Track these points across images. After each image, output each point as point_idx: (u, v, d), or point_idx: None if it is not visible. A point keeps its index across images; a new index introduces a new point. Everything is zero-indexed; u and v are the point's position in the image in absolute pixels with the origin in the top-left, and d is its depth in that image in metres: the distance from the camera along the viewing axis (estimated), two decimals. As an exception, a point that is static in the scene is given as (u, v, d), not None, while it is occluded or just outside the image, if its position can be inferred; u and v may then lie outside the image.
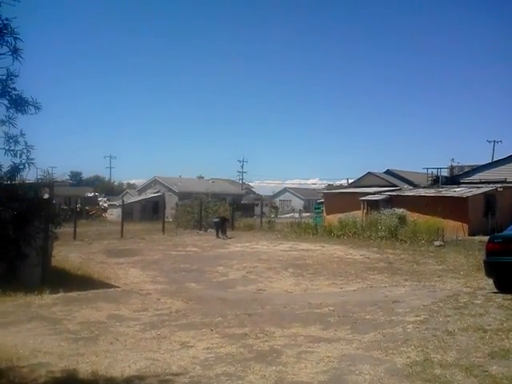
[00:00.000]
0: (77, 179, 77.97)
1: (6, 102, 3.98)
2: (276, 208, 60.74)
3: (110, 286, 11.39)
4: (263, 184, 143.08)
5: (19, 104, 3.98)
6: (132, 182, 77.25)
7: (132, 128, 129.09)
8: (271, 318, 7.77)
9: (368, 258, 16.82)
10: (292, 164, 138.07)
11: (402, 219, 24.77)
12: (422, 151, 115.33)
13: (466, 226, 25.57)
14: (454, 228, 24.53)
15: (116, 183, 77.91)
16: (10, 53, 3.71)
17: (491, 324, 6.48)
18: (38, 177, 5.53)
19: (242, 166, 72.73)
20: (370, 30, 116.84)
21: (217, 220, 25.09)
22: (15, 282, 9.11)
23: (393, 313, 7.60)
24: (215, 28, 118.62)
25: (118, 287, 11.20)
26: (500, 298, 8.33)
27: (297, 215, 50.58)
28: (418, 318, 7.02)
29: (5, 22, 3.84)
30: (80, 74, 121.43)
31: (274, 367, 5.10)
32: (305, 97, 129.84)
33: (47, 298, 9.42)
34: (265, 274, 13.36)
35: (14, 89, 4.00)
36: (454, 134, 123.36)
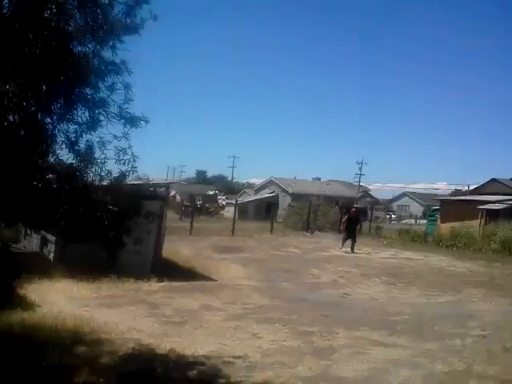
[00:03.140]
0: (202, 178, 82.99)
1: (122, 121, 4.73)
2: (391, 212, 59.27)
3: (209, 279, 12.58)
4: (385, 187, 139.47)
5: (133, 121, 4.73)
6: (251, 181, 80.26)
7: (255, 128, 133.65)
8: (343, 320, 8.28)
9: (471, 271, 16.32)
10: (417, 167, 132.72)
11: (521, 232, 23.24)
12: None
13: None
14: None
15: (237, 182, 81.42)
16: (122, 88, 4.66)
17: (558, 346, 6.42)
18: (141, 181, 6.65)
19: (361, 168, 71.71)
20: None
21: (348, 224, 20.01)
22: (117, 267, 10.41)
23: (462, 326, 7.74)
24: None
25: (215, 281, 12.34)
26: None
27: (413, 221, 49.16)
28: (483, 333, 7.13)
29: (121, 60, 4.80)
30: (210, 79, 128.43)
31: (323, 362, 5.73)
32: (429, 97, 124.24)
33: (154, 285, 10.80)
34: (356, 280, 13.71)
35: (128, 111, 4.91)
36: None
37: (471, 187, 36.26)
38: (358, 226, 20.63)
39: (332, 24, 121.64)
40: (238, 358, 5.88)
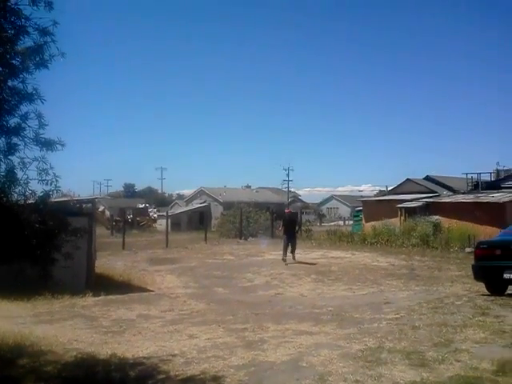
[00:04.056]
0: (130, 191, 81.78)
1: (39, 146, 5.22)
2: (321, 216, 61.35)
3: (146, 290, 12.86)
4: (314, 191, 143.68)
5: (49, 145, 5.06)
6: (182, 192, 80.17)
7: (182, 139, 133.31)
8: (274, 316, 8.92)
9: (393, 265, 17.55)
10: (343, 171, 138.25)
11: (437, 226, 25.16)
12: (469, 156, 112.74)
13: (502, 232, 25.55)
14: (490, 235, 24.60)
15: (166, 194, 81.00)
16: (35, 116, 5.01)
17: (456, 321, 7.39)
18: (66, 198, 6.92)
19: (288, 175, 73.89)
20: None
21: (286, 225, 18.12)
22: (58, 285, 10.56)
23: (379, 312, 8.60)
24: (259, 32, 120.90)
25: (152, 291, 12.65)
26: (481, 299, 9.14)
27: (342, 223, 51.18)
28: (396, 316, 8.01)
29: (34, 89, 5.14)
30: (130, 91, 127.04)
31: (253, 352, 6.30)
32: (352, 101, 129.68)
33: (89, 300, 10.97)
34: (288, 280, 14.45)
35: (43, 137, 5.22)
36: (504, 136, 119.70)
37: (389, 188, 38.41)
38: (297, 228, 19.36)
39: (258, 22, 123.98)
40: (176, 355, 6.32)
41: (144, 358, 6.30)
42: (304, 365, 5.66)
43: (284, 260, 17.40)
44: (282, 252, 17.89)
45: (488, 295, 9.83)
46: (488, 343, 6.19)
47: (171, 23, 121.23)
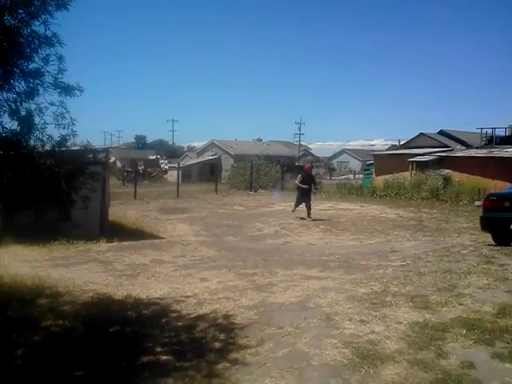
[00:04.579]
0: (141, 143, 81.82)
1: (58, 91, 5.10)
2: (332, 169, 61.27)
3: (158, 237, 13.15)
4: (325, 145, 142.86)
5: (68, 90, 5.12)
6: (193, 144, 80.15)
7: (193, 91, 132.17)
8: (282, 262, 9.15)
9: (401, 216, 17.69)
10: (355, 125, 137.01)
11: (447, 180, 25.11)
12: (485, 111, 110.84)
13: (514, 186, 25.47)
14: (500, 189, 24.52)
15: (177, 146, 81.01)
16: (56, 60, 5.05)
17: (461, 268, 7.54)
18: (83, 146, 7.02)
19: (300, 128, 73.37)
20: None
21: (300, 182, 16.74)
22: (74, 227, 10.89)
23: (386, 260, 8.79)
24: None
25: (164, 238, 12.94)
26: (487, 249, 9.27)
27: (352, 176, 51.17)
28: (402, 263, 8.19)
29: (53, 33, 5.17)
30: (141, 44, 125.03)
31: (263, 294, 6.55)
32: (365, 54, 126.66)
33: (103, 245, 11.29)
34: (296, 230, 14.67)
35: (63, 81, 5.30)
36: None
37: (402, 142, 38.11)
38: (314, 186, 17.54)
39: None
40: (189, 297, 6.59)
41: (158, 298, 6.57)
42: (311, 305, 5.88)
43: (293, 210, 17.05)
44: (292, 204, 17.35)
45: (494, 245, 9.96)
46: (491, 289, 6.35)
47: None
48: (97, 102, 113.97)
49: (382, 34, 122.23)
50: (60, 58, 4.95)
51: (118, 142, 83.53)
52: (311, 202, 16.78)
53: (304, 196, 16.67)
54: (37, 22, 4.84)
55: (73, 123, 5.07)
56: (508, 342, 4.41)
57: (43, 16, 4.81)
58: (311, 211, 16.62)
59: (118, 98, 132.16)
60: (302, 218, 16.41)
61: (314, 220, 16.06)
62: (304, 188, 16.53)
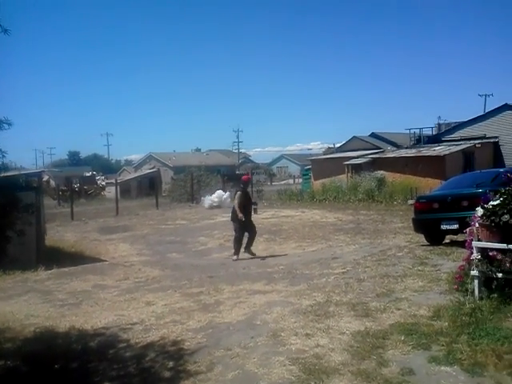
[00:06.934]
0: (75, 159, 79.43)
1: None
2: (272, 175, 62.05)
3: (99, 260, 12.85)
4: (264, 151, 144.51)
5: None
6: (130, 157, 78.81)
7: (127, 104, 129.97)
8: (228, 278, 9.22)
9: (340, 220, 18.25)
10: (292, 129, 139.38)
11: (381, 181, 26.13)
12: (413, 112, 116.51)
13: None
14: (431, 187, 25.79)
15: (114, 160, 79.32)
16: None
17: (397, 272, 7.93)
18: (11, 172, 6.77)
19: (238, 136, 74.05)
20: None
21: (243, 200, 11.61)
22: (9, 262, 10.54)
23: (328, 267, 9.07)
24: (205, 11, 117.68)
25: (106, 261, 12.66)
26: (421, 250, 9.80)
27: (292, 181, 52.05)
28: (343, 270, 8.50)
29: None
30: (74, 60, 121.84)
31: (210, 314, 6.58)
32: (300, 61, 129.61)
33: (42, 273, 10.89)
34: (240, 241, 14.78)
35: None
36: (445, 90, 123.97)
37: (337, 145, 39.31)
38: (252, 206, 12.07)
39: None
40: (135, 323, 6.51)
41: (103, 328, 6.45)
42: (258, 323, 5.99)
43: (236, 258, 11.57)
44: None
45: (427, 245, 10.51)
46: (425, 291, 6.73)
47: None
48: (25, 121, 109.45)
49: (313, 34, 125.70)
50: None
51: (50, 159, 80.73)
52: (255, 230, 12.02)
53: (244, 222, 11.54)
54: None
55: (3, 155, 4.94)
56: (443, 345, 4.71)
57: None
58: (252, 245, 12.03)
59: (48, 113, 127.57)
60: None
61: (253, 257, 11.66)
62: (240, 218, 11.43)
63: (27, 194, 9.88)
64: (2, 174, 5.25)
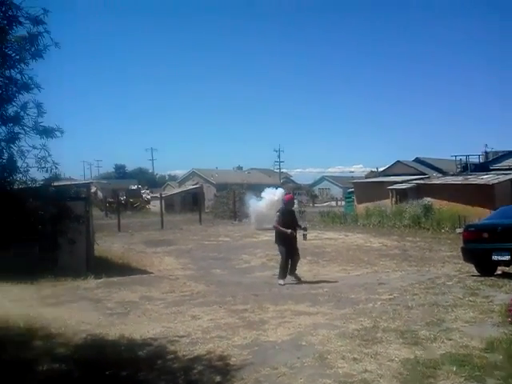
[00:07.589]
0: (121, 172, 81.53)
1: (39, 134, 5.03)
2: (314, 197, 61.77)
3: (145, 272, 13.14)
4: (306, 172, 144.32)
5: (48, 133, 5.06)
6: (173, 173, 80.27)
7: (173, 120, 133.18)
8: (272, 297, 9.25)
9: (385, 245, 17.98)
10: (333, 151, 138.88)
11: (427, 208, 25.60)
12: (457, 139, 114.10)
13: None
14: (480, 215, 25.10)
15: (158, 175, 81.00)
16: (34, 106, 5.07)
17: (448, 301, 7.76)
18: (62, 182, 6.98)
19: (279, 156, 74.18)
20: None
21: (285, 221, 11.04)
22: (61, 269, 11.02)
23: (374, 292, 8.96)
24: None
25: (152, 273, 12.93)
26: (471, 280, 9.53)
27: (334, 203, 51.65)
28: (390, 296, 8.37)
29: (29, 78, 5.17)
30: (123, 75, 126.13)
31: (255, 332, 6.63)
32: (340, 84, 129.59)
33: (92, 282, 11.23)
34: (283, 261, 14.78)
35: (43, 125, 5.29)
36: (493, 116, 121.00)
37: (380, 169, 38.89)
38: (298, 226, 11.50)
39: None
40: (182, 336, 6.62)
41: (151, 338, 6.60)
42: (304, 344, 5.98)
43: (283, 283, 10.80)
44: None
45: (478, 276, 10.23)
46: (477, 322, 6.56)
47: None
48: (76, 133, 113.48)
49: (359, 57, 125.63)
50: (38, 105, 4.92)
51: (97, 172, 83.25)
52: (299, 254, 11.40)
53: (289, 245, 11.04)
54: (13, 70, 4.93)
55: (55, 166, 5.10)
56: (498, 379, 4.57)
57: (19, 65, 4.89)
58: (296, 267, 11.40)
59: (96, 127, 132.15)
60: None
61: (300, 282, 11.05)
62: (288, 233, 10.89)
63: (77, 203, 10.32)
64: (54, 184, 5.43)
